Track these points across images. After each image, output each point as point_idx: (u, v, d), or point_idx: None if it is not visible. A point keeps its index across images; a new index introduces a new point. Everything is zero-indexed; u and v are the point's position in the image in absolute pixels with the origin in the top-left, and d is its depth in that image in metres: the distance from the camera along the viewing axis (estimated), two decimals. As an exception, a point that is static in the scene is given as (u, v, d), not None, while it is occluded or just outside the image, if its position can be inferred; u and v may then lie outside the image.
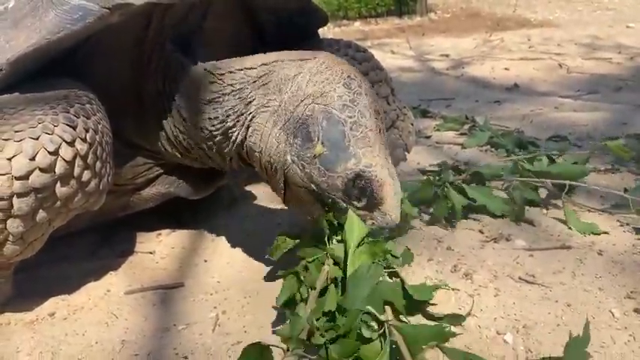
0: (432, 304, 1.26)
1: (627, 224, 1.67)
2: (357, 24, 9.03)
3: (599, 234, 1.61)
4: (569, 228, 1.65)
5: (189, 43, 1.59)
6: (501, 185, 1.93)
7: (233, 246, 1.68)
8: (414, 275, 1.42)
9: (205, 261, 1.61)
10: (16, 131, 1.11)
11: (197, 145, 1.48)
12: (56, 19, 1.22)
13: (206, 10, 1.59)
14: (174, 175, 1.66)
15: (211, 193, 1.77)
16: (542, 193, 1.88)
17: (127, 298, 1.43)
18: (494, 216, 1.75)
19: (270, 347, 1.05)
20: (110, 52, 1.48)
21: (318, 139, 1.20)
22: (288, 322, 1.11)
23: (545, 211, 1.80)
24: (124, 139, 1.54)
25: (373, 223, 1.24)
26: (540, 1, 11.46)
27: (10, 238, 1.13)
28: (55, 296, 1.43)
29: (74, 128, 1.17)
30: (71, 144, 1.15)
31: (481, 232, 1.68)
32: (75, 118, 1.18)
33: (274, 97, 1.29)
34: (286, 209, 1.86)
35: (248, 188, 2.09)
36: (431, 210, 1.77)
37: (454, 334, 1.13)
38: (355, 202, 1.22)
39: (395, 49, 5.96)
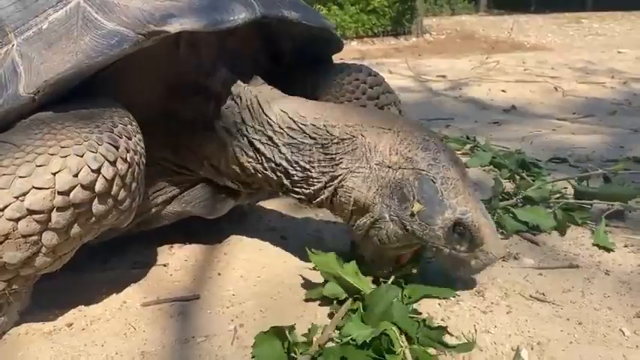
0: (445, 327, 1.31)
1: (632, 245, 1.72)
2: (354, 43, 9.15)
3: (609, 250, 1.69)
4: (595, 245, 1.73)
5: (216, 64, 1.64)
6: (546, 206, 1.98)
7: (245, 260, 1.70)
8: (428, 291, 1.45)
9: (219, 274, 1.62)
10: (62, 147, 1.13)
11: (243, 172, 1.58)
12: (93, 42, 1.25)
13: (230, 34, 1.64)
14: (191, 195, 1.69)
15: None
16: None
17: (144, 310, 1.44)
18: (502, 234, 1.80)
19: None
20: (138, 72, 1.50)
21: (414, 198, 1.32)
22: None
23: (549, 232, 1.84)
24: None
25: (477, 261, 1.34)
26: (533, 25, 11.71)
27: (43, 250, 1.14)
28: (72, 307, 1.44)
29: (117, 148, 1.20)
30: (113, 163, 1.18)
31: (489, 250, 1.71)
32: (118, 138, 1.21)
33: (364, 165, 1.41)
34: (293, 225, 1.95)
35: (257, 204, 2.12)
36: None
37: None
38: (457, 247, 1.33)
39: (392, 69, 6.04)
